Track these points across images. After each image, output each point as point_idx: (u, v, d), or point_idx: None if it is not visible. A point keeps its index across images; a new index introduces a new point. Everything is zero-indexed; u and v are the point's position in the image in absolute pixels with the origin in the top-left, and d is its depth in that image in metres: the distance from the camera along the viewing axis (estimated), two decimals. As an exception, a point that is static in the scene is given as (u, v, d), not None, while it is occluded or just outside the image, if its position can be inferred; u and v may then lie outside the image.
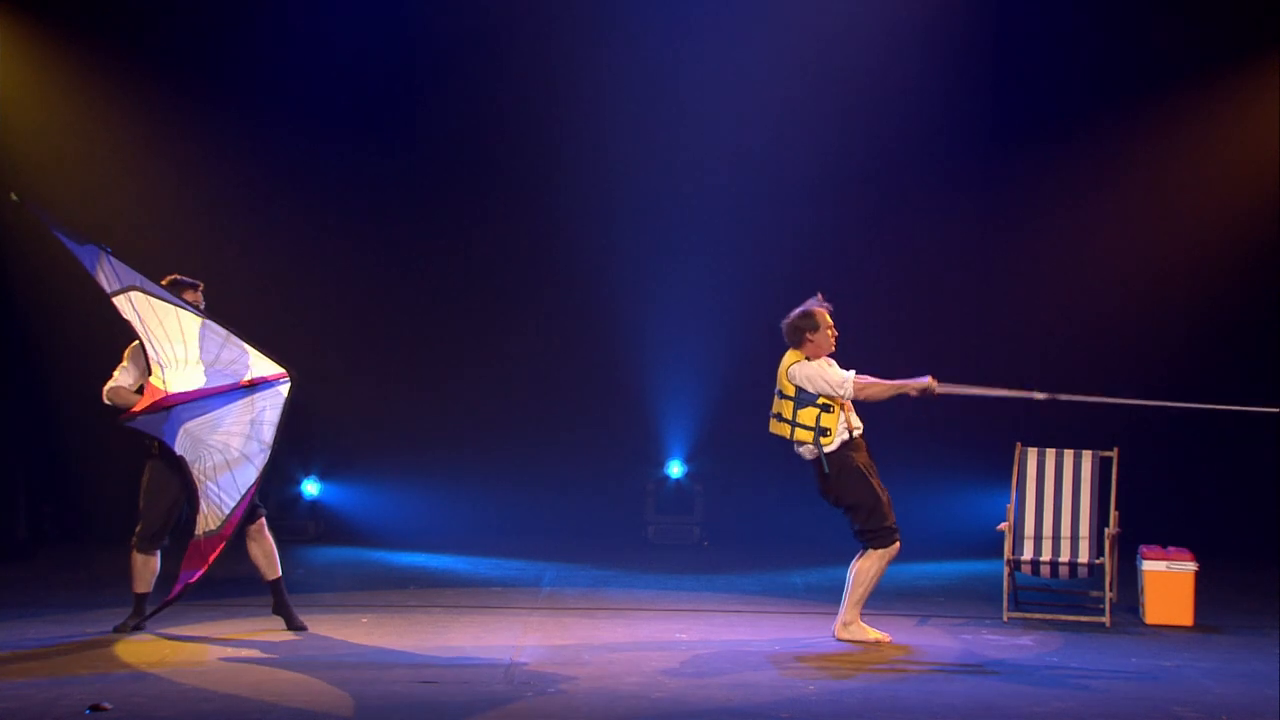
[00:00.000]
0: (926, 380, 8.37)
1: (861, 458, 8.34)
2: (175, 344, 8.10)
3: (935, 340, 12.98)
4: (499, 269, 13.43)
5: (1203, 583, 9.27)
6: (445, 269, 13.44)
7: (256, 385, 8.17)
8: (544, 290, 13.44)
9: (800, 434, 8.27)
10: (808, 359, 8.31)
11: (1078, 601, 9.58)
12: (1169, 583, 9.19)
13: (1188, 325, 12.94)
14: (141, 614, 8.26)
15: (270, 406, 8.18)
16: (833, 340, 8.38)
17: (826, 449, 8.27)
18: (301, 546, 12.16)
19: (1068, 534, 9.34)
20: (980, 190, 13.21)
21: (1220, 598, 9.89)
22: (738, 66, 12.88)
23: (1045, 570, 9.29)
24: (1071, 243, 13.12)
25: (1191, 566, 9.20)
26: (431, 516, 12.97)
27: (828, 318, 8.39)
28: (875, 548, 8.28)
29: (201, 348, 8.12)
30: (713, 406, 13.10)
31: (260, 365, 8.19)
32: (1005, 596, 9.21)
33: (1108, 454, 9.47)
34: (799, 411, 8.27)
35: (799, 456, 8.43)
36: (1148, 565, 9.26)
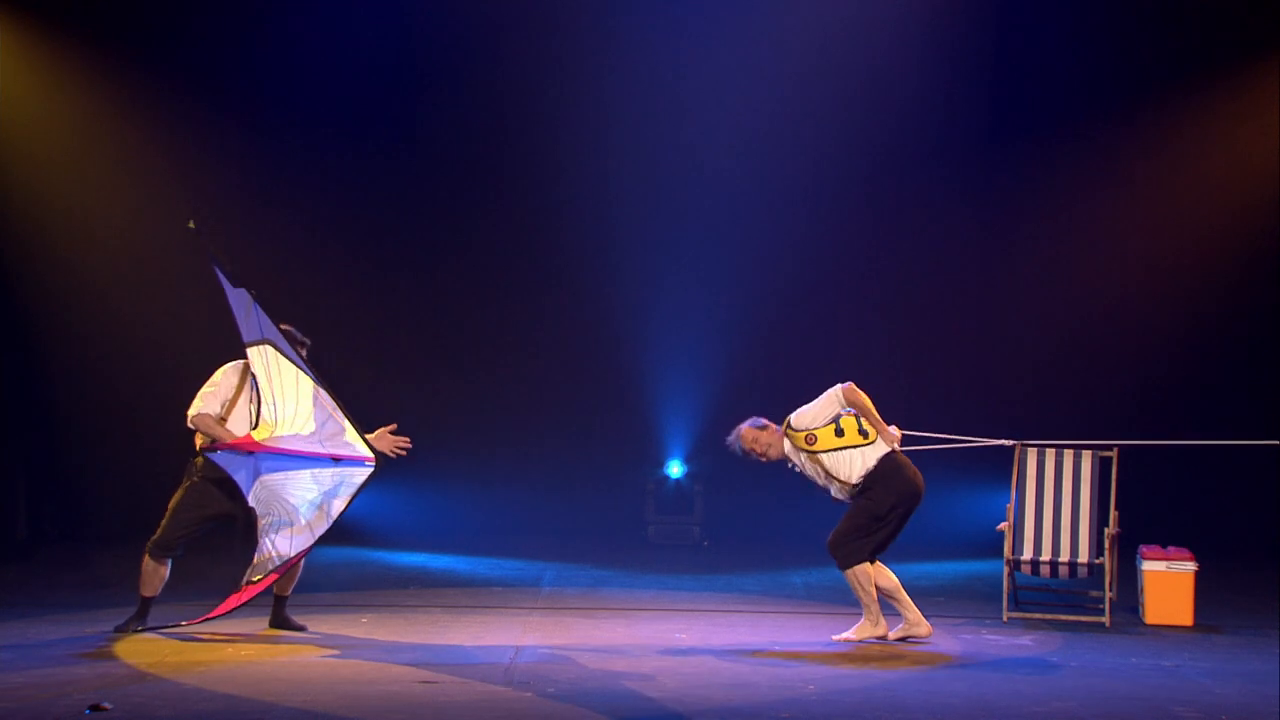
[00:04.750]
0: (896, 433, 8.49)
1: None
2: (288, 404, 8.11)
3: (935, 340, 13.00)
4: (500, 270, 13.44)
5: (1203, 583, 9.27)
6: (446, 270, 13.45)
7: (342, 460, 8.17)
8: (544, 291, 13.45)
9: (856, 439, 8.31)
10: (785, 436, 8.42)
11: (1078, 601, 9.58)
12: (1169, 583, 9.19)
13: (1188, 325, 12.94)
14: (144, 618, 8.24)
15: (347, 484, 8.17)
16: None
17: (872, 456, 8.31)
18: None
19: (1067, 534, 9.34)
20: (980, 191, 13.22)
21: (1220, 598, 9.89)
22: (737, 70, 12.90)
23: (1045, 570, 9.28)
24: (1072, 243, 13.13)
25: (1191, 566, 9.20)
26: (431, 516, 12.97)
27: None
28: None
29: (311, 416, 8.12)
30: (713, 406, 13.10)
31: (354, 444, 8.18)
32: (1005, 596, 9.21)
33: (1108, 454, 9.47)
34: (841, 434, 8.32)
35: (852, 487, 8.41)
36: (1147, 565, 9.26)
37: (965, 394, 13.01)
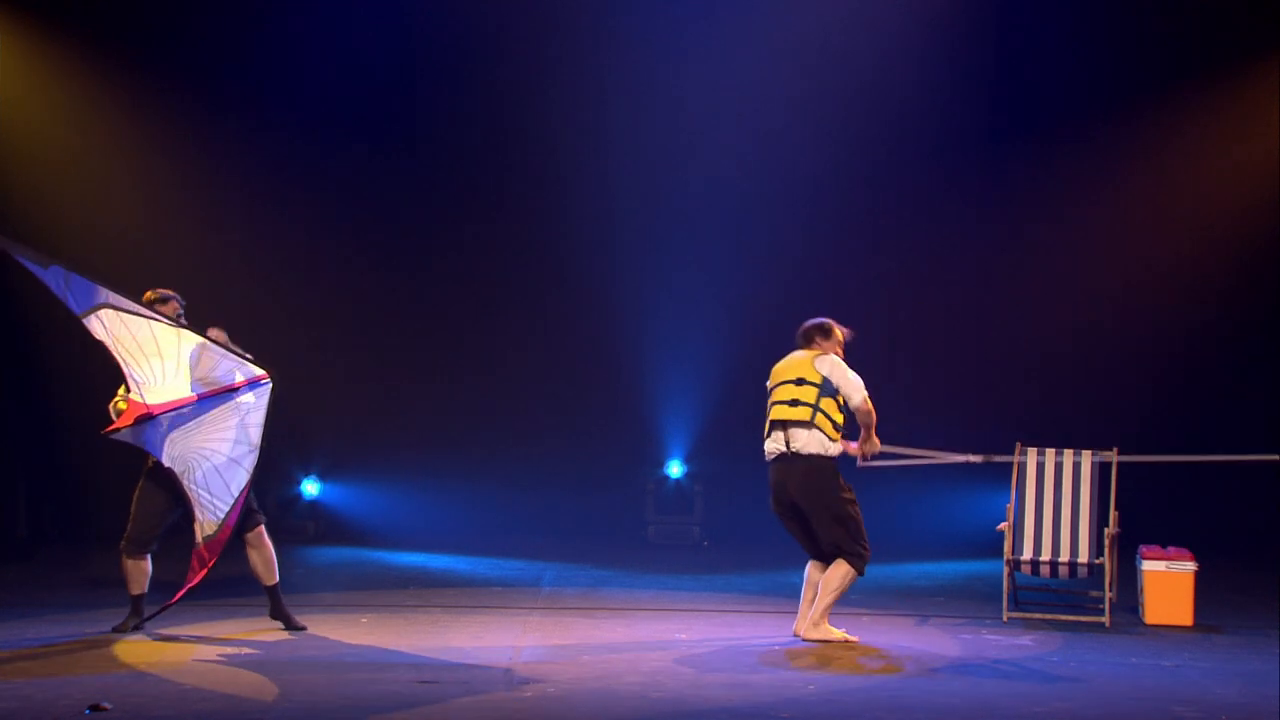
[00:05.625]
0: (876, 446, 8.43)
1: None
2: (151, 359, 7.99)
3: (934, 340, 13.00)
4: (500, 270, 13.45)
5: (1203, 583, 9.27)
6: (446, 270, 13.45)
7: (238, 389, 8.11)
8: (544, 291, 13.46)
9: (821, 420, 8.23)
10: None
11: (1078, 601, 9.58)
12: (1169, 583, 9.19)
13: (1189, 325, 12.94)
14: (140, 614, 8.27)
15: (254, 409, 8.12)
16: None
17: (834, 448, 8.28)
18: (301, 546, 12.16)
19: (1067, 534, 9.34)
20: (980, 192, 13.22)
21: (1220, 598, 9.89)
22: (736, 71, 12.91)
23: (1045, 570, 9.28)
24: (1071, 244, 13.13)
25: (1191, 566, 9.20)
26: (431, 516, 12.98)
27: (840, 337, 8.47)
28: (850, 564, 8.30)
29: (178, 358, 8.04)
30: (713, 406, 13.11)
31: (240, 369, 8.13)
32: (1005, 596, 9.21)
33: (1108, 454, 9.47)
34: (824, 399, 8.25)
35: (795, 449, 8.36)
36: (1147, 565, 9.26)
37: (966, 394, 13.02)
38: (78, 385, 12.73)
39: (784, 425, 8.29)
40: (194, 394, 8.04)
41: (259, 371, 8.15)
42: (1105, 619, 9.05)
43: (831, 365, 8.30)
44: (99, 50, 12.42)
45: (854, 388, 8.28)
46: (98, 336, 7.91)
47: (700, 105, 13.01)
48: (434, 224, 13.39)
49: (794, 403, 8.29)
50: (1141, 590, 9.30)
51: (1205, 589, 9.32)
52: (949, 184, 13.19)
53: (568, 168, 13.08)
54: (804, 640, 8.34)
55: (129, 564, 8.26)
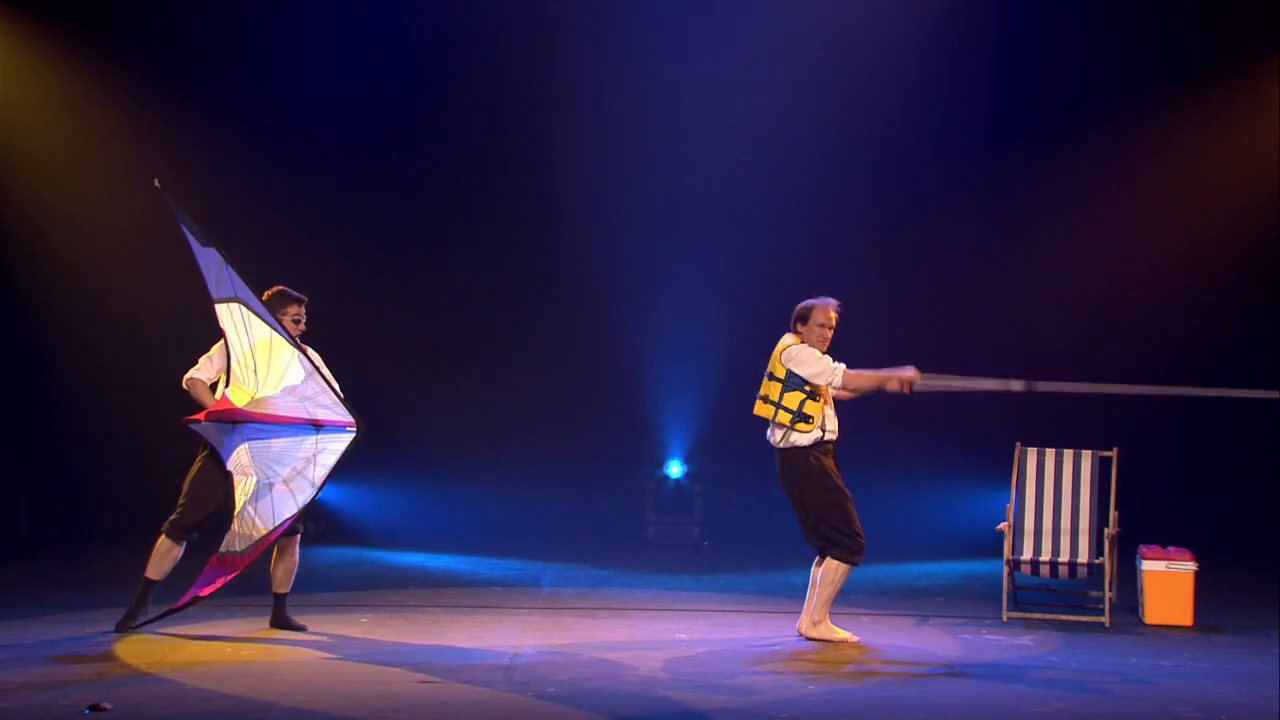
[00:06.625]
0: (911, 372, 8.31)
1: (829, 462, 8.32)
2: (260, 367, 8.05)
3: (934, 340, 12.98)
4: (499, 270, 13.44)
5: (1203, 583, 9.28)
6: (445, 270, 13.44)
7: (324, 426, 8.11)
8: (544, 291, 13.46)
9: (782, 416, 8.24)
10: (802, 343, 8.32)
11: (1078, 601, 9.58)
12: (1169, 583, 9.20)
13: (1187, 325, 12.94)
14: (144, 603, 8.21)
15: (330, 451, 8.10)
16: (822, 341, 8.32)
17: (803, 439, 8.24)
18: (301, 546, 12.14)
19: (1067, 534, 9.34)
20: (980, 190, 13.22)
21: (1220, 598, 9.90)
22: (736, 69, 12.89)
23: (1045, 570, 9.29)
24: (1072, 243, 13.13)
25: (1191, 566, 9.20)
26: (431, 516, 12.97)
27: (829, 317, 8.34)
28: (835, 558, 8.26)
29: (285, 376, 8.07)
30: (713, 406, 13.11)
31: (335, 409, 8.13)
32: (1005, 596, 9.21)
33: (1108, 454, 9.47)
34: (786, 394, 8.25)
35: (771, 443, 8.38)
36: (1147, 565, 9.27)
37: (968, 392, 13.00)
38: (78, 386, 12.76)
39: (760, 419, 8.37)
40: (283, 413, 8.06)
41: (350, 418, 8.14)
42: (1105, 619, 9.06)
43: (796, 359, 8.24)
44: (99, 50, 12.40)
45: (818, 376, 8.19)
46: (221, 325, 8.04)
47: (700, 105, 13.00)
48: (434, 224, 13.38)
49: (764, 398, 8.35)
50: (1141, 590, 9.30)
51: (1205, 589, 9.33)
52: (949, 184, 13.18)
53: (567, 167, 13.06)
54: (805, 639, 8.33)
55: (164, 544, 8.18)
